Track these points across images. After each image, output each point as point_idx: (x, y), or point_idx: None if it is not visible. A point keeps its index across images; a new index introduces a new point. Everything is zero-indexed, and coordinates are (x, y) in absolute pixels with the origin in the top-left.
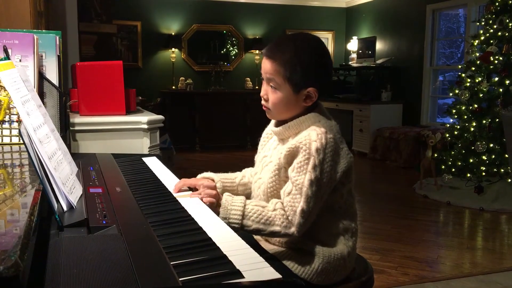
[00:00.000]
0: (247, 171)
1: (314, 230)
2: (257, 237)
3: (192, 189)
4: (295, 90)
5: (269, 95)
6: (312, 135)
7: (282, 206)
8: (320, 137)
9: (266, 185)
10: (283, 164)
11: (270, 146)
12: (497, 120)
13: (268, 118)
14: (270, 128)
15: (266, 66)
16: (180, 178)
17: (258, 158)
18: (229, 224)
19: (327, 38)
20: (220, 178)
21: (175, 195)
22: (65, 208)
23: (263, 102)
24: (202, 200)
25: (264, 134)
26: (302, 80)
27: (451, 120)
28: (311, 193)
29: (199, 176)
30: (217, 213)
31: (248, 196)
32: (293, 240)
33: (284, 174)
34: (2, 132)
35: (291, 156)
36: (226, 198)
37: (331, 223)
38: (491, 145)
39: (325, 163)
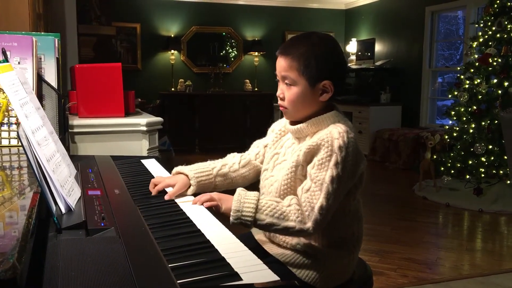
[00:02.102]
0: (231, 158)
1: (322, 232)
2: (260, 240)
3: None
4: (310, 84)
5: (285, 93)
6: (334, 133)
7: (298, 202)
8: (342, 135)
9: (280, 183)
10: (301, 162)
11: (284, 144)
12: (496, 121)
13: (270, 119)
14: (285, 125)
15: (281, 63)
16: None
17: (267, 154)
18: (242, 217)
19: None
20: (194, 174)
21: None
22: (63, 211)
23: (279, 102)
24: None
25: (276, 129)
26: (317, 73)
27: (450, 122)
28: (332, 190)
29: (174, 171)
30: (221, 216)
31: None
32: (299, 242)
33: (300, 172)
34: (0, 134)
35: (311, 154)
36: (240, 192)
37: (339, 226)
38: (490, 146)
39: (347, 161)
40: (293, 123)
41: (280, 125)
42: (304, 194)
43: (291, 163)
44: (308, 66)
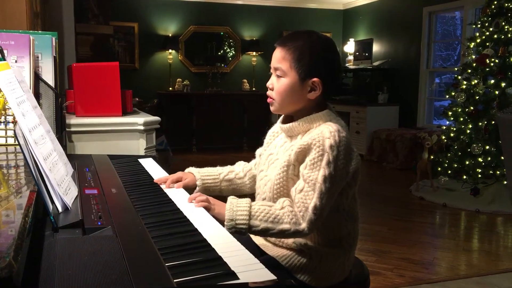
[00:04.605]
0: (239, 166)
1: (317, 231)
2: (256, 239)
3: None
4: (300, 78)
5: (275, 84)
6: (325, 132)
7: (290, 204)
8: (333, 135)
9: (273, 182)
10: (293, 162)
11: (277, 144)
12: (493, 122)
13: (267, 119)
14: (278, 125)
15: (276, 54)
16: None
17: (263, 155)
18: (236, 226)
19: None
20: (201, 175)
21: (165, 190)
22: (60, 209)
23: (268, 92)
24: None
25: (270, 132)
26: (308, 69)
27: (448, 122)
28: (325, 189)
29: (186, 171)
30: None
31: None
32: (294, 241)
33: (292, 172)
34: None
35: (303, 154)
36: (231, 200)
37: (334, 225)
38: (487, 147)
39: (339, 160)
40: (285, 122)
41: (274, 128)
42: (297, 195)
43: (283, 162)
44: (301, 60)
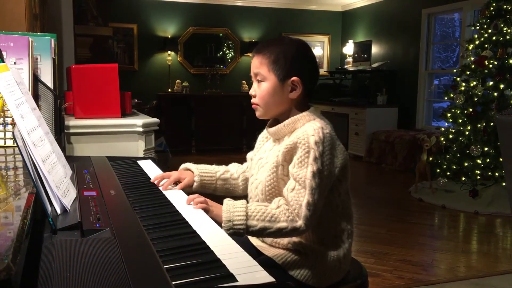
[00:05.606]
0: (233, 167)
1: (312, 230)
2: (253, 240)
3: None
4: (280, 79)
5: (257, 90)
6: (309, 130)
7: (286, 202)
8: (317, 131)
9: (264, 184)
10: (281, 162)
11: (266, 148)
12: (492, 124)
13: (266, 120)
14: (266, 130)
15: (254, 61)
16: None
17: (254, 160)
18: (234, 226)
19: (323, 41)
20: (199, 171)
21: (164, 192)
22: (58, 211)
23: (252, 100)
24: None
25: (260, 138)
26: (286, 69)
27: (446, 124)
28: (315, 185)
29: (181, 167)
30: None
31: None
32: (290, 241)
33: (281, 172)
34: None
35: (290, 153)
36: (227, 202)
37: (328, 223)
38: (486, 148)
39: (325, 155)
40: (271, 126)
41: (264, 133)
42: (290, 194)
43: (272, 164)
44: (277, 62)
